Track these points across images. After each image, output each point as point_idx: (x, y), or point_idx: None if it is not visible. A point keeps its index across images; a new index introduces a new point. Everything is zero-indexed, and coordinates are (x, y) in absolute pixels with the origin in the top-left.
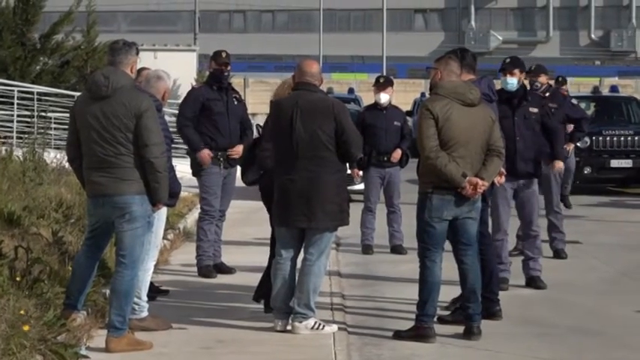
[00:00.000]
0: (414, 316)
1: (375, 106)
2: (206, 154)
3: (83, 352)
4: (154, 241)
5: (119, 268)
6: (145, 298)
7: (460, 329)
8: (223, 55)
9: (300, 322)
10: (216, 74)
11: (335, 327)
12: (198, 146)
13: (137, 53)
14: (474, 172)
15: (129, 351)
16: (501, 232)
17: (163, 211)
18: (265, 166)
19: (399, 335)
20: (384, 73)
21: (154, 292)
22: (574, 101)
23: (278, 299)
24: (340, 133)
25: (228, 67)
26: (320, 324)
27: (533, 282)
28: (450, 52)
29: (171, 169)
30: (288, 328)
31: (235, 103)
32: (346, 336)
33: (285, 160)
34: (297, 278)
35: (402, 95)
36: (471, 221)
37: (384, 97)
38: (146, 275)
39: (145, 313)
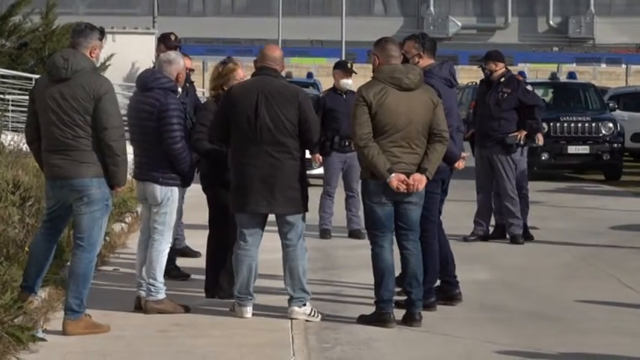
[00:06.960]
0: (371, 300)
1: (335, 90)
2: None
3: (40, 334)
4: (169, 223)
5: (77, 250)
6: (161, 279)
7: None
8: (172, 37)
9: (299, 306)
10: None
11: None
12: None
13: (101, 38)
14: (415, 158)
15: (86, 334)
16: None
17: (175, 193)
18: (198, 148)
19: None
20: (343, 58)
21: (178, 277)
22: (529, 87)
23: (243, 286)
24: (303, 121)
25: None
26: (315, 312)
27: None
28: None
29: (189, 152)
30: (250, 314)
31: (187, 85)
32: (304, 320)
33: (246, 145)
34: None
35: (362, 80)
36: (412, 206)
37: (349, 83)
38: (161, 257)
39: (161, 295)
